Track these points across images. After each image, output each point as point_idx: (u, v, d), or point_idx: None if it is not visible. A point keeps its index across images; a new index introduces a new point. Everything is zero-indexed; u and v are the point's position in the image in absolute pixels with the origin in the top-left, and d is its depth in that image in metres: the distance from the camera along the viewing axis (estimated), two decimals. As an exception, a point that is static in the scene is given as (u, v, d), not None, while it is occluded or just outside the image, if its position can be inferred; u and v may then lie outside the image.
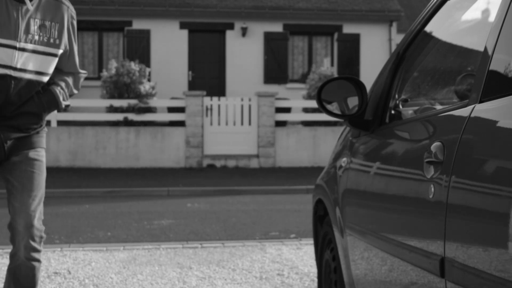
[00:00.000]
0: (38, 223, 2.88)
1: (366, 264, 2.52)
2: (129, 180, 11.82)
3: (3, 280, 4.56)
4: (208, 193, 10.71)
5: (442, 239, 1.74)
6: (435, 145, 1.86)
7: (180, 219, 7.82)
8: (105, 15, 17.20)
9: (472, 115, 1.72)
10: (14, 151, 2.87)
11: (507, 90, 1.61)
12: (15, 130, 2.84)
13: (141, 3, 17.48)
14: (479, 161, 1.62)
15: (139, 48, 17.67)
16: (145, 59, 17.16)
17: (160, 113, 14.69)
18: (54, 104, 2.98)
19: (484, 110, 1.69)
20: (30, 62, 2.81)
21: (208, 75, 18.11)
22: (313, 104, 14.15)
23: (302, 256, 5.37)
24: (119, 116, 13.97)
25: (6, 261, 5.20)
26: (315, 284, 4.44)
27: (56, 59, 2.92)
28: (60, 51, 2.93)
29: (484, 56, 1.77)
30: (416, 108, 2.48)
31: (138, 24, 17.71)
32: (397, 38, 18.44)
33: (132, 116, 13.92)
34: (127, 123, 13.98)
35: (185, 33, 17.89)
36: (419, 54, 2.55)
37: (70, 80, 3.06)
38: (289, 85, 18.13)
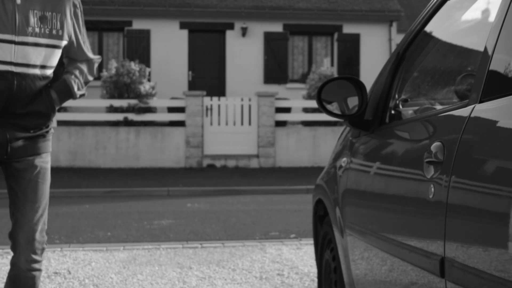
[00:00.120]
0: (40, 236, 2.80)
1: (366, 264, 2.52)
2: (129, 180, 11.82)
3: (3, 280, 4.56)
4: (208, 193, 10.71)
5: (442, 239, 1.74)
6: (435, 145, 1.86)
7: (180, 219, 7.82)
8: (105, 15, 17.20)
9: (472, 115, 1.72)
10: (18, 154, 2.74)
11: (507, 90, 1.61)
12: (22, 129, 2.73)
13: (141, 3, 17.49)
14: (479, 161, 1.62)
15: (139, 48, 17.67)
16: (145, 59, 17.16)
17: (160, 113, 14.69)
18: (68, 94, 2.88)
19: (484, 110, 1.69)
20: (33, 56, 2.70)
21: (208, 75, 18.11)
22: (313, 104, 14.16)
23: (302, 256, 5.37)
24: (119, 116, 13.97)
25: (6, 261, 5.20)
26: (315, 284, 4.43)
27: (60, 51, 2.81)
28: (64, 42, 2.81)
29: (484, 56, 1.77)
30: (416, 108, 2.48)
31: (138, 24, 17.71)
32: (397, 38, 18.44)
33: (132, 116, 13.92)
34: (127, 123, 13.99)
35: (185, 33, 17.89)
36: (419, 54, 2.55)
37: (84, 67, 2.95)
38: (289, 85, 18.13)
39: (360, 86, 2.62)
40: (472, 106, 1.75)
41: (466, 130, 1.72)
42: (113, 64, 14.51)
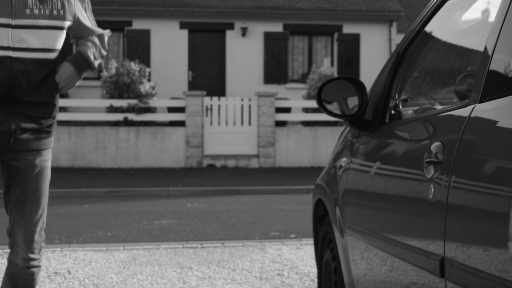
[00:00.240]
0: (39, 236, 2.75)
1: (366, 264, 2.52)
2: (129, 180, 11.82)
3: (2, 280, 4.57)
4: (208, 193, 10.71)
5: (442, 239, 1.74)
6: (435, 145, 1.86)
7: (180, 219, 7.82)
8: (105, 15, 17.20)
9: (472, 115, 1.72)
10: (20, 147, 2.62)
11: (507, 90, 1.61)
12: (27, 119, 2.60)
13: (141, 3, 17.48)
14: (479, 161, 1.62)
15: (139, 48, 17.67)
16: (145, 59, 17.16)
17: (160, 113, 14.69)
18: (85, 64, 2.74)
19: (484, 110, 1.69)
20: (32, 39, 2.55)
21: (208, 75, 18.11)
22: (313, 104, 14.16)
23: (302, 256, 5.37)
24: (119, 116, 13.97)
25: (6, 261, 5.20)
26: (315, 284, 4.43)
27: (64, 32, 2.65)
28: (68, 23, 2.66)
29: (484, 56, 1.77)
30: (416, 108, 2.48)
31: (138, 24, 17.71)
32: (397, 38, 18.44)
33: (132, 116, 13.92)
34: (127, 123, 13.99)
35: (185, 33, 17.88)
36: (419, 54, 2.55)
37: (96, 40, 2.83)
38: (289, 85, 18.13)
39: (360, 86, 2.62)
40: (472, 106, 1.75)
41: (466, 130, 1.72)
42: (113, 64, 14.51)
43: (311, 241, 5.81)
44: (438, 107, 2.33)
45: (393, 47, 18.14)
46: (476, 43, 2.06)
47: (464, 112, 1.78)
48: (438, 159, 1.82)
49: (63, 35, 2.66)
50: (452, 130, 1.82)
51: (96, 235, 6.68)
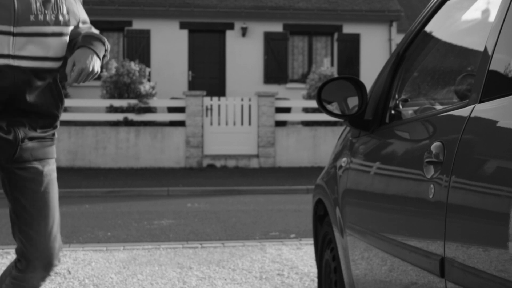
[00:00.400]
0: (58, 258, 2.54)
1: (366, 264, 2.51)
2: (129, 180, 11.82)
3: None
4: (208, 193, 10.71)
5: (442, 239, 1.74)
6: (435, 145, 1.86)
7: (180, 219, 7.82)
8: (105, 15, 17.20)
9: (472, 115, 1.72)
10: (26, 156, 2.43)
11: (507, 90, 1.61)
12: (32, 128, 2.43)
13: (141, 3, 17.48)
14: (479, 161, 1.62)
15: (139, 48, 17.67)
16: (145, 59, 17.16)
17: (160, 113, 14.69)
18: (98, 39, 2.46)
19: (484, 110, 1.69)
20: (35, 47, 2.36)
21: (208, 75, 18.11)
22: (313, 104, 14.16)
23: (302, 256, 5.37)
24: (119, 116, 13.98)
25: (6, 261, 5.20)
26: (315, 284, 4.43)
27: (67, 39, 2.46)
28: (71, 28, 2.47)
29: (484, 56, 1.77)
30: (416, 108, 2.48)
31: (138, 24, 17.71)
32: (397, 38, 18.44)
33: (132, 116, 13.92)
34: (127, 123, 13.99)
35: (185, 33, 17.89)
36: (419, 54, 2.55)
37: (96, 32, 2.56)
38: (289, 85, 18.13)
39: (360, 86, 2.62)
40: (472, 106, 1.75)
41: (466, 130, 1.72)
42: (113, 64, 14.52)
43: (311, 241, 5.81)
44: (438, 107, 2.33)
45: (393, 47, 18.15)
46: (476, 43, 2.06)
47: (464, 112, 1.78)
48: (438, 159, 1.82)
49: (67, 41, 2.48)
50: (452, 130, 1.82)
51: (96, 235, 6.68)
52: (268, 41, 18.16)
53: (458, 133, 1.75)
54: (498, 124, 1.60)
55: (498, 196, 1.48)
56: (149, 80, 15.74)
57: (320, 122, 14.51)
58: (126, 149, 13.87)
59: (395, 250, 2.14)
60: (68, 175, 12.38)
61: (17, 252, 2.52)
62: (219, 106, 14.09)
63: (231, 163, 13.98)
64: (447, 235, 1.72)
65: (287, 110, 14.71)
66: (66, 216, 8.02)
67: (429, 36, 2.48)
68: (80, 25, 2.55)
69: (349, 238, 2.72)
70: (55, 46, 2.42)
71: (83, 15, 2.58)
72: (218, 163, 13.96)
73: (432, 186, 1.83)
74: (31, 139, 2.44)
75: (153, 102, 14.24)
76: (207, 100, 14.02)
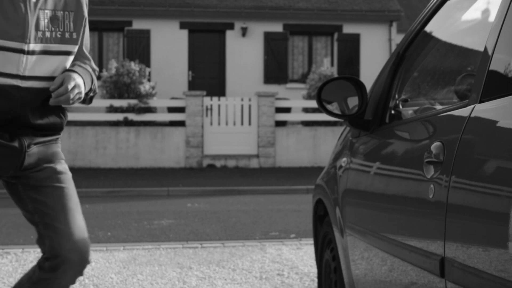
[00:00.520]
0: (90, 253, 2.41)
1: (366, 264, 2.52)
2: (129, 180, 11.82)
3: (3, 280, 4.56)
4: (208, 193, 10.71)
5: (442, 239, 1.74)
6: (435, 145, 1.86)
7: (180, 219, 7.82)
8: (105, 15, 17.20)
9: (472, 115, 1.72)
10: (34, 162, 2.34)
11: (507, 90, 1.61)
12: (37, 134, 2.33)
13: (141, 3, 17.49)
14: (479, 161, 1.62)
15: (139, 48, 17.67)
16: (145, 59, 17.16)
17: (160, 113, 14.70)
18: (90, 74, 2.34)
19: (484, 110, 1.69)
20: (42, 67, 2.24)
21: (208, 75, 18.11)
22: (313, 104, 14.16)
23: (302, 256, 5.37)
24: (119, 116, 13.98)
25: (6, 261, 5.20)
26: (315, 284, 4.43)
27: (72, 58, 2.34)
28: (77, 48, 2.35)
29: (484, 56, 1.77)
30: (416, 108, 2.48)
31: (138, 24, 17.71)
32: (397, 38, 18.45)
33: (132, 116, 13.92)
34: (127, 123, 13.99)
35: (185, 33, 17.89)
36: (419, 54, 2.55)
37: (90, 68, 2.42)
38: (289, 85, 18.14)
39: (360, 86, 2.62)
40: (472, 106, 1.75)
41: (466, 130, 1.72)
42: (113, 64, 14.52)
43: (311, 241, 5.81)
44: (438, 107, 2.33)
45: (393, 47, 18.15)
46: (476, 43, 2.06)
47: (464, 112, 1.78)
48: (438, 159, 1.82)
49: (71, 60, 2.35)
50: (452, 130, 1.82)
51: (96, 235, 6.68)
52: (268, 41, 18.16)
53: (458, 133, 1.75)
54: (498, 124, 1.60)
55: (498, 196, 1.48)
56: (149, 80, 15.74)
57: (320, 122, 14.51)
58: (126, 149, 13.87)
59: (395, 250, 2.14)
60: (68, 175, 12.36)
61: (47, 251, 2.35)
62: (219, 106, 14.09)
63: (231, 163, 13.98)
64: (447, 235, 1.72)
65: (287, 110, 14.71)
66: (66, 216, 8.01)
67: (429, 36, 2.48)
68: (86, 44, 2.45)
69: (349, 238, 2.72)
70: (60, 65, 2.29)
71: (87, 38, 2.47)
72: (218, 163, 13.96)
73: (432, 186, 1.83)
74: (37, 143, 2.35)
75: (153, 102, 14.24)
76: (207, 100, 14.02)
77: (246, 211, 8.55)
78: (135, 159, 13.87)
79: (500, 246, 1.44)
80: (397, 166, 2.25)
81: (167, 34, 17.75)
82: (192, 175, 12.73)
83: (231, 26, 18.05)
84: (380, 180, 2.41)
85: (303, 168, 13.89)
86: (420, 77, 2.68)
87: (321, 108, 2.66)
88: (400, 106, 2.55)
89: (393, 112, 2.54)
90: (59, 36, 2.25)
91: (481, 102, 1.72)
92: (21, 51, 2.17)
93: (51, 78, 2.26)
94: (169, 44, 17.72)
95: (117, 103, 14.02)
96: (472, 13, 2.25)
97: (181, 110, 14.16)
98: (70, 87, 2.21)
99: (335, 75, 16.10)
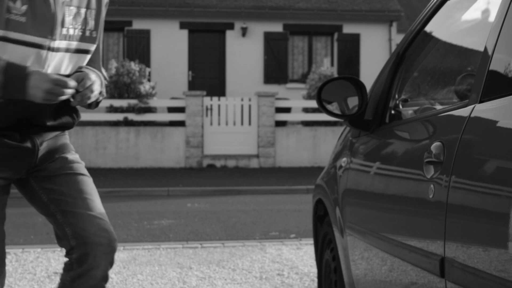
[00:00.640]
0: (116, 238, 2.32)
1: (366, 264, 2.52)
2: (129, 180, 11.82)
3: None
4: (208, 193, 10.71)
5: (442, 239, 1.74)
6: (435, 145, 1.86)
7: (180, 219, 7.82)
8: (105, 15, 17.19)
9: (472, 115, 1.72)
10: (45, 157, 2.28)
11: (507, 90, 1.61)
12: (51, 129, 2.28)
13: (141, 3, 17.49)
14: (479, 161, 1.62)
15: (139, 48, 17.68)
16: (145, 59, 17.16)
17: (160, 113, 14.70)
18: (99, 79, 2.24)
19: (484, 110, 1.69)
20: (62, 65, 2.19)
21: (208, 75, 18.11)
22: (313, 104, 14.16)
23: (302, 256, 5.37)
24: (119, 116, 13.98)
25: (5, 261, 5.19)
26: (315, 284, 4.43)
27: (89, 57, 2.29)
28: (95, 47, 2.29)
29: (484, 56, 1.77)
30: (416, 108, 2.48)
31: (138, 24, 17.72)
32: (397, 38, 18.45)
33: (132, 116, 13.92)
34: (127, 123, 13.99)
35: (185, 33, 17.89)
36: (419, 54, 2.55)
37: (100, 74, 2.32)
38: (289, 85, 18.14)
39: (360, 86, 2.62)
40: (472, 106, 1.75)
41: (466, 130, 1.72)
42: (113, 64, 14.52)
43: (311, 241, 5.81)
44: (438, 107, 2.33)
45: (393, 47, 18.15)
46: (476, 43, 2.06)
47: (464, 112, 1.78)
48: (438, 159, 1.82)
49: (87, 60, 2.29)
50: (452, 130, 1.82)
51: (96, 235, 6.68)
52: (268, 41, 18.16)
53: (458, 133, 1.75)
54: (498, 124, 1.60)
55: (498, 196, 1.48)
56: (149, 80, 15.75)
57: (320, 122, 14.51)
58: (126, 149, 13.87)
59: (395, 250, 2.14)
60: (68, 175, 12.36)
61: (71, 240, 2.25)
62: (219, 106, 14.09)
63: (231, 163, 13.98)
64: (447, 235, 1.72)
65: (287, 110, 14.71)
66: (66, 216, 8.01)
67: (429, 36, 2.48)
68: (100, 45, 2.38)
69: (349, 238, 2.72)
70: (78, 64, 2.25)
71: (102, 39, 2.40)
72: (218, 163, 13.96)
73: (432, 186, 1.83)
74: (49, 139, 2.31)
75: (153, 102, 14.24)
76: (207, 100, 14.02)
77: (246, 211, 8.55)
78: (135, 159, 13.87)
79: (500, 246, 1.45)
80: (397, 166, 2.25)
81: (167, 34, 17.75)
82: (192, 175, 12.73)
83: (231, 26, 18.05)
84: (380, 180, 2.41)
85: (303, 168, 13.89)
86: (420, 77, 2.68)
87: (321, 108, 2.66)
88: (400, 106, 2.55)
89: (393, 112, 2.54)
90: (80, 33, 2.21)
91: (481, 102, 1.72)
92: (47, 48, 2.13)
93: (69, 77, 2.19)
94: (169, 44, 17.72)
95: (117, 103, 14.02)
96: (472, 13, 2.25)
97: (181, 110, 14.16)
98: (96, 88, 2.19)
99: (335, 75, 16.10)
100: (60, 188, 2.27)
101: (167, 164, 13.91)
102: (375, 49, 18.35)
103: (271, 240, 6.18)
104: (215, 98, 14.16)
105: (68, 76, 2.18)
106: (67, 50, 2.18)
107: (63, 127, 2.33)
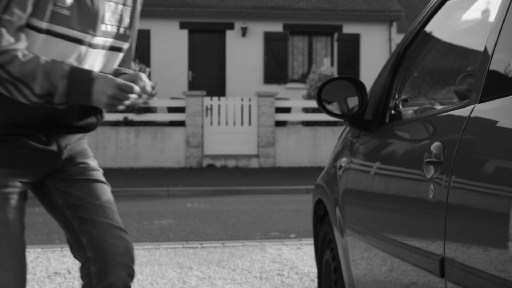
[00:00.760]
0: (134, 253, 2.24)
1: (366, 264, 2.52)
2: (129, 180, 11.82)
3: None
4: (208, 193, 10.71)
5: (442, 239, 1.74)
6: (435, 145, 1.86)
7: (180, 219, 7.82)
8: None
9: (472, 115, 1.72)
10: (68, 162, 2.19)
11: (507, 90, 1.61)
12: (77, 129, 2.18)
13: (141, 3, 17.48)
14: (479, 161, 1.62)
15: (139, 48, 17.67)
16: (145, 59, 17.16)
17: (160, 113, 14.70)
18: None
19: (484, 110, 1.69)
20: (96, 63, 2.10)
21: (208, 75, 18.11)
22: (313, 104, 14.16)
23: (302, 256, 5.37)
24: (119, 116, 13.98)
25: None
26: (315, 284, 4.43)
27: (121, 56, 2.21)
28: (127, 45, 2.21)
29: (484, 56, 1.77)
30: (416, 108, 2.48)
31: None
32: (397, 38, 18.45)
33: (132, 116, 13.92)
34: (127, 123, 13.99)
35: (185, 33, 17.89)
36: (419, 54, 2.55)
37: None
38: (289, 85, 18.14)
39: (360, 86, 2.62)
40: (472, 106, 1.75)
41: (466, 130, 1.72)
42: (113, 64, 14.51)
43: (311, 241, 5.81)
44: (438, 107, 2.33)
45: (393, 47, 18.15)
46: (476, 43, 2.06)
47: (464, 112, 1.78)
48: (438, 159, 1.82)
49: (120, 58, 2.21)
50: (452, 130, 1.82)
51: (96, 235, 6.68)
52: (268, 41, 18.16)
53: (458, 133, 1.75)
54: (498, 124, 1.60)
55: (498, 196, 1.48)
56: (149, 80, 15.74)
57: (320, 122, 14.51)
58: (126, 149, 13.87)
59: (395, 250, 2.14)
60: (68, 175, 12.37)
61: (88, 251, 2.14)
62: (219, 106, 14.09)
63: (231, 163, 13.98)
64: (447, 235, 1.72)
65: (287, 110, 14.71)
66: (66, 216, 8.01)
67: (429, 36, 2.48)
68: (133, 44, 2.30)
69: (349, 238, 2.72)
70: (111, 62, 2.16)
71: (135, 37, 2.29)
72: (218, 163, 13.96)
73: (432, 186, 1.83)
74: (72, 143, 2.22)
75: (153, 102, 14.24)
76: (207, 100, 14.02)
77: (246, 211, 8.55)
78: (135, 159, 13.87)
79: (500, 246, 1.44)
80: (397, 166, 2.25)
81: (167, 34, 17.75)
82: (192, 175, 12.73)
83: (231, 26, 18.05)
84: (380, 180, 2.41)
85: (303, 168, 13.89)
86: (420, 77, 2.68)
87: (321, 108, 2.66)
88: (400, 106, 2.55)
89: (393, 112, 2.54)
90: (115, 30, 2.12)
91: (481, 102, 1.72)
92: (88, 44, 2.04)
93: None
94: (169, 44, 17.72)
95: (117, 103, 14.00)
96: (472, 13, 2.25)
97: (181, 110, 14.16)
98: (149, 89, 2.12)
99: (335, 75, 16.10)
100: (78, 193, 2.17)
101: (167, 164, 13.91)
102: (375, 49, 18.35)
103: (271, 240, 6.18)
104: (215, 98, 14.16)
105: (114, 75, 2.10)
106: (103, 47, 2.09)
107: (88, 128, 2.24)
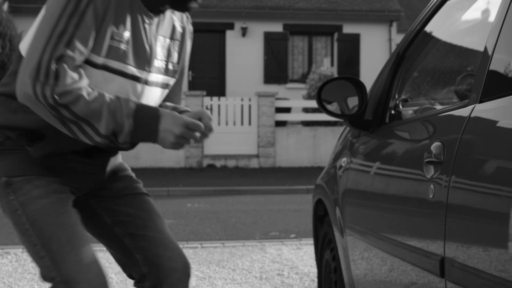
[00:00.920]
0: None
1: (366, 264, 2.52)
2: (129, 180, 11.81)
3: (3, 280, 4.56)
4: (208, 193, 10.71)
5: (442, 239, 1.74)
6: (435, 145, 1.86)
7: (180, 219, 7.82)
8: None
9: (472, 115, 1.72)
10: (111, 175, 2.13)
11: (507, 90, 1.61)
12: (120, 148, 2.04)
13: (141, 3, 17.49)
14: (479, 161, 1.62)
15: (139, 48, 17.69)
16: (145, 59, 17.16)
17: (160, 113, 14.69)
18: None
19: (484, 110, 1.69)
20: (151, 102, 1.97)
21: (208, 75, 18.11)
22: (313, 104, 14.16)
23: (302, 256, 5.37)
24: (119, 116, 13.97)
25: (6, 261, 5.20)
26: (315, 284, 4.43)
27: (166, 92, 2.08)
28: (174, 81, 2.09)
29: (484, 56, 1.77)
30: (416, 108, 2.48)
31: (138, 24, 17.71)
32: (397, 38, 18.45)
33: (132, 116, 13.92)
34: (127, 123, 13.99)
35: (185, 33, 17.88)
36: (419, 54, 2.55)
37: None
38: (289, 85, 18.14)
39: (360, 86, 2.62)
40: (472, 106, 1.75)
41: (466, 130, 1.72)
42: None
43: (311, 241, 5.81)
44: (438, 107, 2.33)
45: (393, 47, 18.15)
46: (476, 43, 2.06)
47: (464, 112, 1.78)
48: (438, 159, 1.82)
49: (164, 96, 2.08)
50: (452, 130, 1.82)
51: (96, 235, 6.68)
52: (268, 41, 18.17)
53: (458, 133, 1.75)
54: (498, 124, 1.60)
55: (498, 196, 1.48)
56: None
57: (320, 122, 14.51)
58: (126, 149, 13.86)
59: (395, 250, 2.14)
60: (68, 175, 12.36)
61: (142, 267, 2.05)
62: (219, 106, 14.10)
63: (231, 163, 13.98)
64: (447, 235, 1.72)
65: (287, 110, 14.71)
66: (66, 216, 8.00)
67: (429, 36, 2.48)
68: (184, 78, 2.16)
69: (349, 238, 2.72)
70: (156, 98, 2.02)
71: (185, 75, 2.17)
72: (218, 163, 13.97)
73: (432, 186, 1.83)
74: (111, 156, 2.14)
75: (153, 102, 14.24)
76: (207, 100, 14.02)
77: (246, 211, 8.55)
78: (135, 159, 13.87)
79: (500, 246, 1.44)
80: (397, 166, 2.25)
81: (167, 34, 17.75)
82: (192, 175, 12.73)
83: (231, 26, 18.06)
84: (380, 180, 2.41)
85: (303, 168, 13.89)
86: (420, 77, 2.68)
87: (321, 108, 2.66)
88: (400, 106, 2.55)
89: (393, 112, 2.54)
90: (164, 66, 2.01)
91: (481, 102, 1.72)
92: (143, 81, 1.93)
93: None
94: (169, 44, 17.71)
95: (117, 103, 14.02)
96: (472, 13, 2.25)
97: (181, 110, 14.15)
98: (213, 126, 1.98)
99: (335, 75, 16.10)
100: (127, 210, 2.08)
101: (167, 164, 13.91)
102: (375, 49, 18.35)
103: (271, 240, 6.18)
104: (215, 98, 14.17)
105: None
106: (153, 83, 1.97)
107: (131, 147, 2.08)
